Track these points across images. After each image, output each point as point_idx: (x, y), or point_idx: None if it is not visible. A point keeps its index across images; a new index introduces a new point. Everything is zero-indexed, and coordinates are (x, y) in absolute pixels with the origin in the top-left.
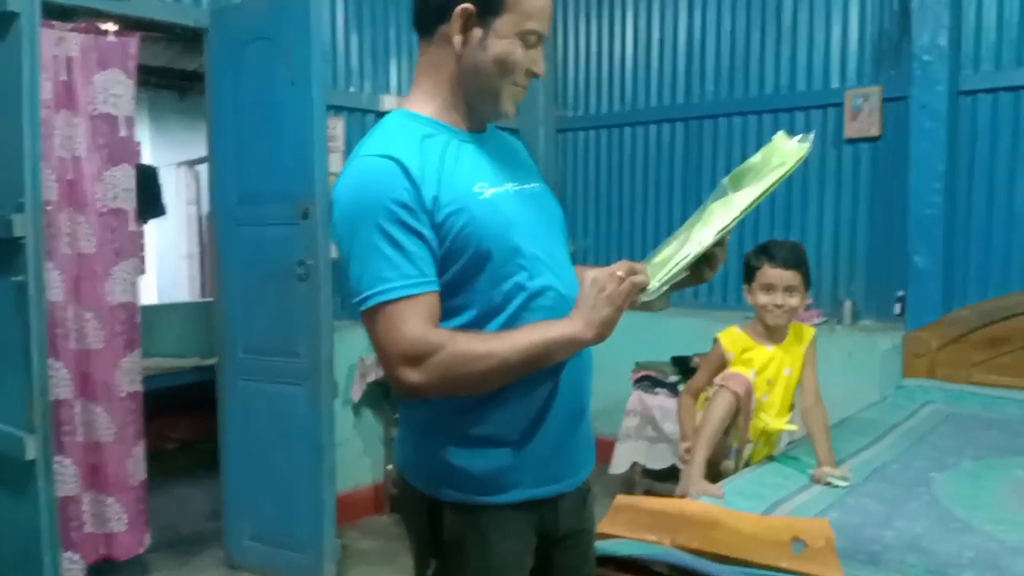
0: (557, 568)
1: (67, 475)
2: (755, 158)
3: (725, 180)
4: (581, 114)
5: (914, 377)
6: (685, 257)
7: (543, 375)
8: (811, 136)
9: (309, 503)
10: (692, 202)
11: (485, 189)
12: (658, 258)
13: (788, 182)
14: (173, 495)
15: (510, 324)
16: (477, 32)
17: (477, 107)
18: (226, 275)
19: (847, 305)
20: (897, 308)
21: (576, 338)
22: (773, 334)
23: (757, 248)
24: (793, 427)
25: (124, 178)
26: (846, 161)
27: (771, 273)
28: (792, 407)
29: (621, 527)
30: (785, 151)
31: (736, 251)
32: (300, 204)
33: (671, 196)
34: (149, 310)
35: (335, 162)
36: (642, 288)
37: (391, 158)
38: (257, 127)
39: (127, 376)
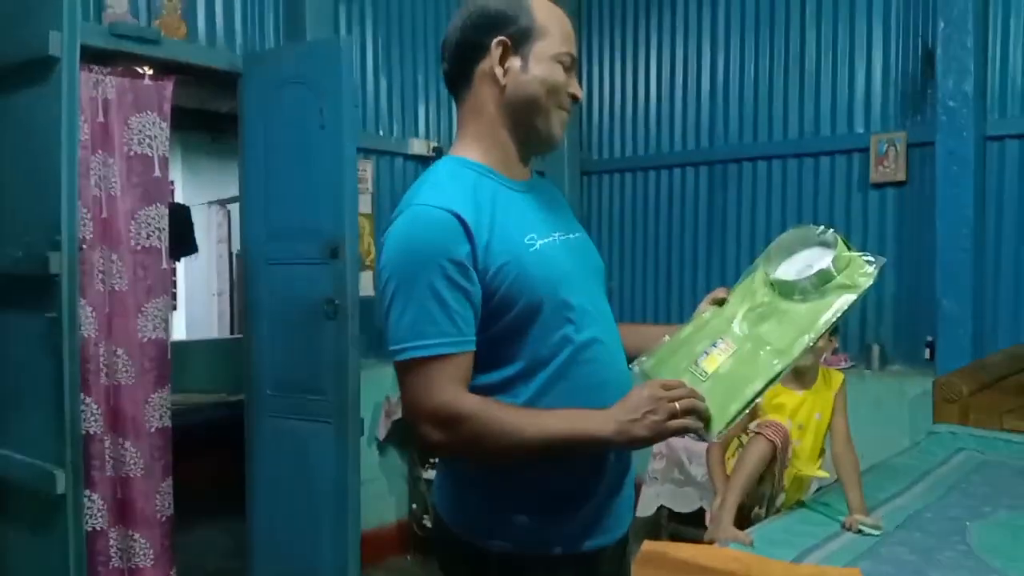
0: None
1: (94, 509)
2: (798, 251)
3: (760, 262)
4: (606, 157)
5: (945, 423)
6: (752, 395)
7: None
8: (882, 260)
9: (334, 543)
10: (716, 245)
11: (535, 241)
12: (681, 335)
13: (813, 220)
14: (199, 532)
15: (558, 376)
16: (516, 62)
17: (526, 140)
18: (254, 312)
19: (875, 350)
20: (927, 353)
21: (604, 440)
22: (803, 378)
23: None
24: (824, 474)
25: (157, 217)
26: (872, 206)
27: None
28: (822, 452)
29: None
30: (853, 271)
31: (693, 293)
32: (329, 244)
33: (695, 239)
34: (178, 346)
35: (364, 203)
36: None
37: (449, 211)
38: (287, 168)
39: (157, 412)
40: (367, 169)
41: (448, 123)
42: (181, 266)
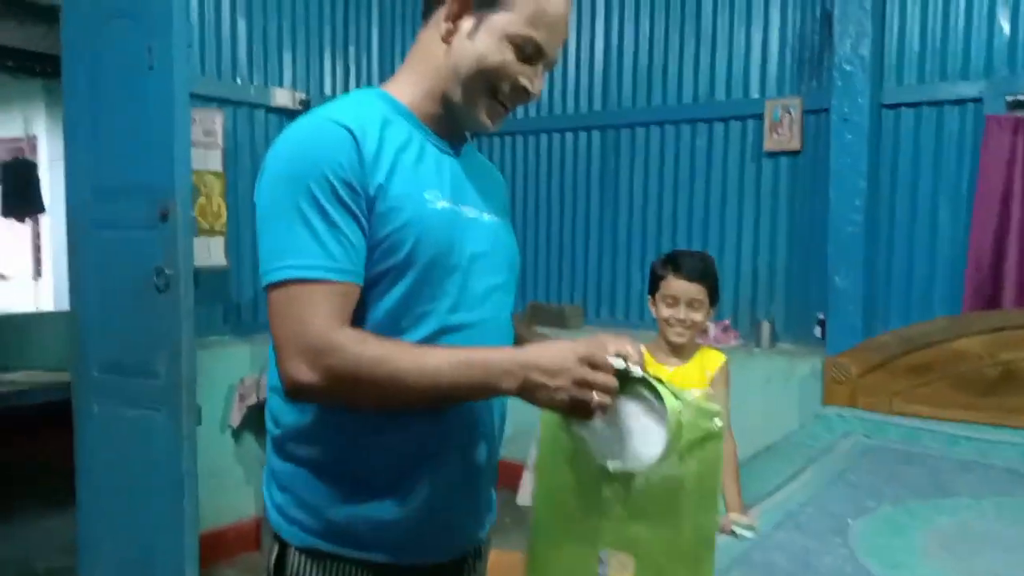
0: None
1: None
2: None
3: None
4: None
5: (834, 405)
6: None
7: (433, 418)
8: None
9: (170, 542)
10: (609, 213)
11: (437, 200)
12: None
13: (706, 192)
14: (36, 524)
15: None
16: (468, 22)
17: (454, 109)
18: (80, 283)
19: (765, 327)
20: (818, 331)
21: (503, 391)
22: (677, 352)
23: (663, 257)
24: None
25: None
26: (766, 175)
27: (675, 285)
28: None
29: None
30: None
31: (643, 260)
32: (159, 204)
33: (588, 206)
34: (33, 318)
35: (214, 159)
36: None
37: (345, 127)
38: (115, 116)
39: None
40: (217, 121)
41: (319, 74)
42: (47, 231)
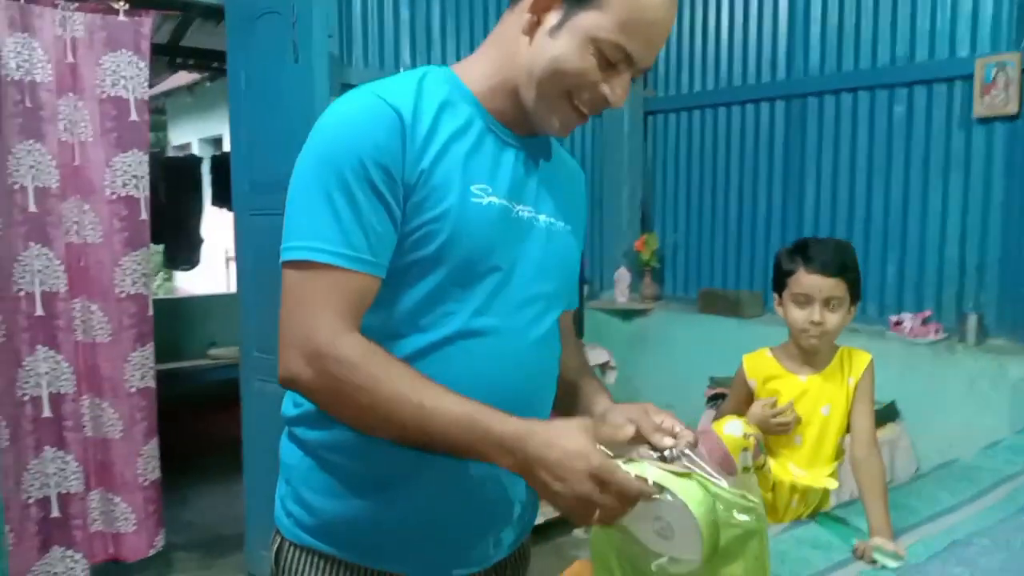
0: None
1: (69, 471)
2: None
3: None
4: (672, 93)
5: None
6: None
7: None
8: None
9: None
10: (793, 192)
11: (486, 194)
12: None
13: (905, 167)
14: (214, 493)
15: (420, 354)
16: (553, 16)
17: (525, 107)
18: (242, 269)
19: (972, 320)
20: None
21: (499, 453)
22: (810, 360)
23: (791, 247)
24: (832, 484)
25: (135, 164)
26: (976, 145)
27: (807, 280)
28: (839, 456)
29: None
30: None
31: (766, 245)
32: None
33: (770, 184)
34: (228, 299)
35: None
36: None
37: (393, 107)
38: (266, 109)
39: (138, 371)
40: None
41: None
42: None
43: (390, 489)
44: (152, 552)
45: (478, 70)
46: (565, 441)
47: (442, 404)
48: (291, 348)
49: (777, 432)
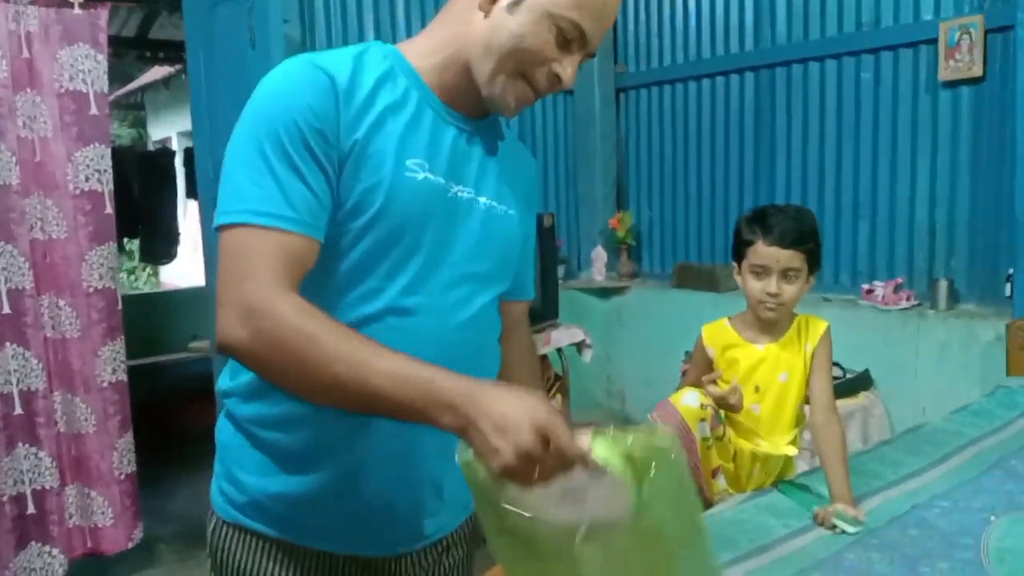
0: None
1: (42, 467)
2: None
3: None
4: (643, 69)
5: (1021, 376)
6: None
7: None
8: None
9: None
10: (765, 161)
11: (421, 169)
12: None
13: (874, 132)
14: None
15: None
16: None
17: (477, 84)
18: (209, 257)
19: (943, 285)
20: (1007, 290)
21: (442, 409)
22: (767, 328)
23: (750, 216)
24: (791, 451)
25: (96, 158)
26: (943, 109)
27: (764, 252)
28: (800, 423)
29: None
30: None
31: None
32: None
33: (742, 155)
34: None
35: None
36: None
37: (328, 74)
38: (227, 96)
39: (109, 365)
40: None
41: None
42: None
43: (321, 465)
44: (131, 544)
45: (423, 47)
46: (515, 397)
47: (382, 360)
48: (226, 310)
49: (728, 409)
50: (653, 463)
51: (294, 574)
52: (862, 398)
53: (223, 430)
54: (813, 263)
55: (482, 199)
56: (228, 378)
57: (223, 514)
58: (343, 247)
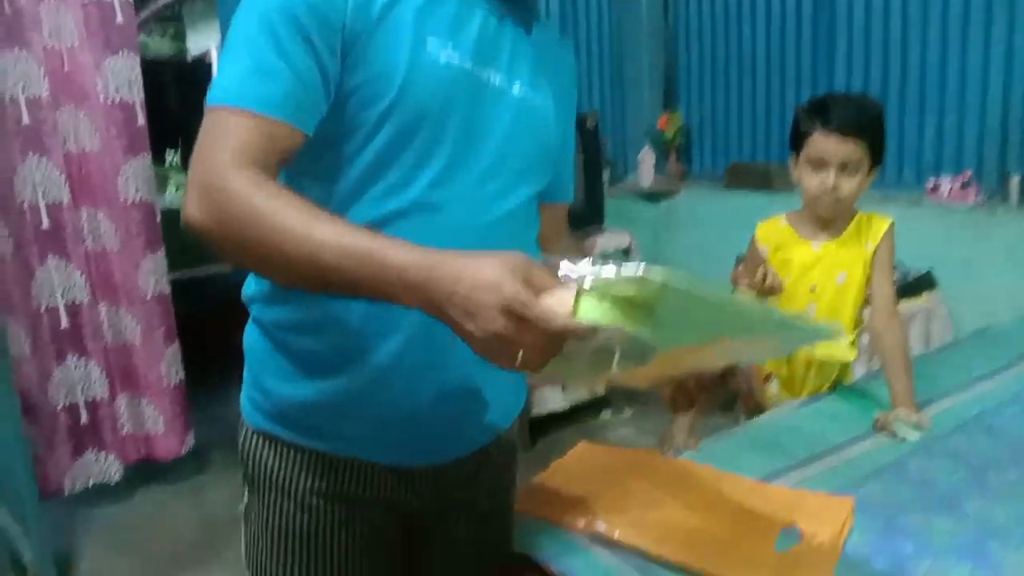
0: (436, 549)
1: (92, 378)
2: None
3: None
4: None
5: None
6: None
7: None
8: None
9: None
10: (823, 49)
11: (443, 49)
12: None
13: (943, 10)
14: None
15: (375, 228)
16: None
17: None
18: None
19: (1015, 181)
20: None
21: (399, 290)
22: (825, 226)
23: (810, 104)
24: (849, 355)
25: (126, 68)
26: None
27: (822, 143)
28: (859, 326)
29: (541, 500)
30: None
31: (782, 104)
32: None
33: (798, 47)
34: None
35: None
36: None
37: None
38: None
39: (151, 277)
40: None
41: None
42: None
43: (347, 370)
44: (184, 451)
45: None
46: (475, 271)
47: (333, 235)
48: (190, 187)
49: (767, 294)
50: (655, 302)
51: (327, 483)
52: (924, 299)
53: (250, 336)
54: (875, 156)
55: (515, 87)
56: (253, 283)
57: (252, 422)
58: (359, 139)
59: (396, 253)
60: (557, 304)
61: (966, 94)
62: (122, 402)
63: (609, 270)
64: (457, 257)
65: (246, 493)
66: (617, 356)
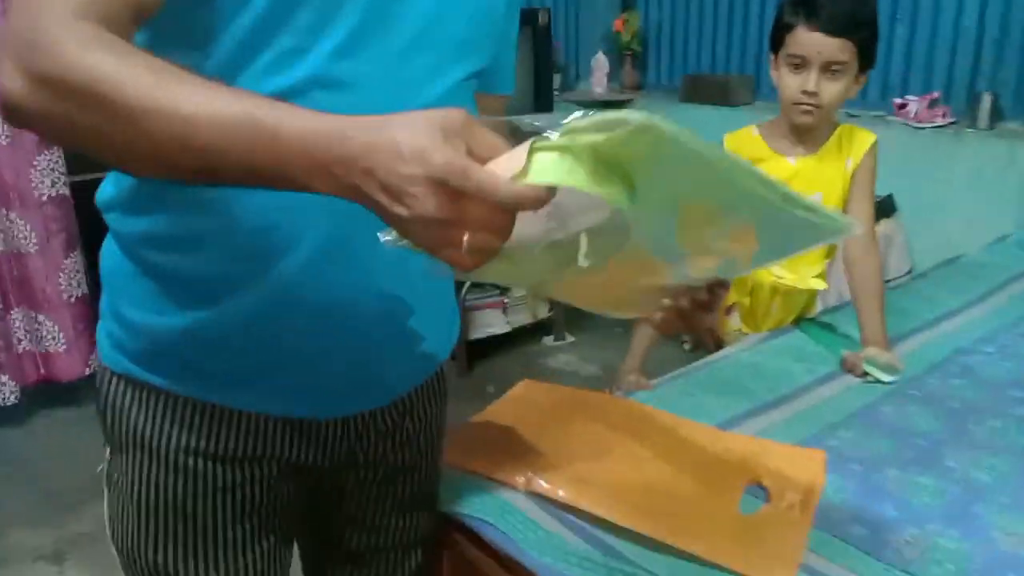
0: (349, 512)
1: None
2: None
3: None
4: None
5: None
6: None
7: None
8: None
9: None
10: None
11: None
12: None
13: None
14: None
15: None
16: None
17: None
18: None
19: (986, 100)
20: None
21: (303, 169)
22: (802, 138)
23: None
24: (820, 285)
25: None
26: None
27: (805, 38)
28: (830, 253)
29: (474, 451)
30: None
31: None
32: None
33: None
34: None
35: None
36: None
37: None
38: None
39: (47, 177)
40: None
41: None
42: None
43: (230, 296)
44: (89, 372)
45: None
46: (393, 136)
47: (207, 103)
48: (3, 54)
49: None
50: (632, 154)
51: (205, 440)
52: (883, 225)
53: (107, 255)
54: (865, 59)
55: None
56: (110, 185)
57: (112, 364)
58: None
59: (293, 122)
60: (505, 168)
61: (940, 6)
62: (17, 317)
63: (577, 116)
64: (372, 121)
65: (108, 452)
66: (584, 246)
